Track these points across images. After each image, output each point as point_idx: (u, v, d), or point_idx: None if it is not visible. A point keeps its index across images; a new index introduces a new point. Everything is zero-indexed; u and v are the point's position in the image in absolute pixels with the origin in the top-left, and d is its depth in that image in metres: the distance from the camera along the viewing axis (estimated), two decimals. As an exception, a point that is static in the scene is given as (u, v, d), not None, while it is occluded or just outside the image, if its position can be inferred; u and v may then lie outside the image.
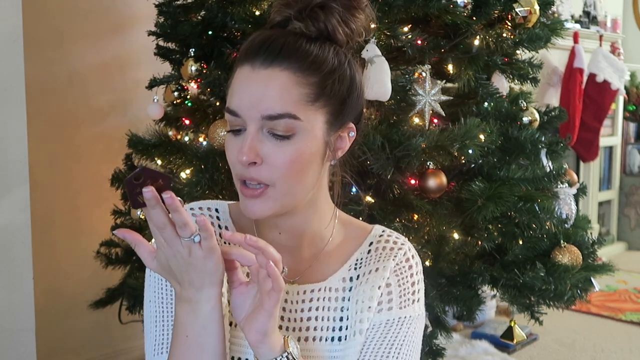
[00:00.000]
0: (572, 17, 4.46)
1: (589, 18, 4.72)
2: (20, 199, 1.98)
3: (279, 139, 0.88)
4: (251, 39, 0.92)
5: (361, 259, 1.01)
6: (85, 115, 2.79)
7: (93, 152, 2.79)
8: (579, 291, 1.98)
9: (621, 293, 4.14)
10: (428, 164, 1.78)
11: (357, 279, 0.99)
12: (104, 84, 2.83)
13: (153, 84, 2.26)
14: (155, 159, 2.12)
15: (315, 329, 0.96)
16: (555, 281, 1.86)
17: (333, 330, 0.97)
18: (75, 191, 2.76)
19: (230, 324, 0.95)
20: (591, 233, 2.13)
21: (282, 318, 0.96)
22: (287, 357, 0.84)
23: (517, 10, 1.96)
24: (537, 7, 1.97)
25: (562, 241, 1.93)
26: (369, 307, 0.96)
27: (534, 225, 1.94)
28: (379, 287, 0.97)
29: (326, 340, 0.96)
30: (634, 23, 5.65)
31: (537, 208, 1.88)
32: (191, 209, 1.00)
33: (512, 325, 2.52)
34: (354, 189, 1.75)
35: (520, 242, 1.95)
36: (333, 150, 0.94)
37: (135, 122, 2.53)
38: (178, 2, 2.21)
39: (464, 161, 1.89)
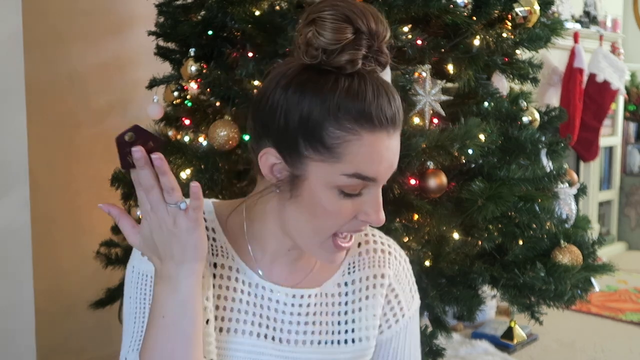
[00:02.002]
0: (572, 17, 4.46)
1: (589, 18, 4.72)
2: (20, 199, 1.98)
3: None
4: (372, 103, 0.84)
5: (353, 262, 1.02)
6: (85, 115, 2.78)
7: (93, 152, 2.79)
8: (579, 291, 1.98)
9: (621, 293, 4.14)
10: (428, 164, 1.78)
11: (352, 283, 1.00)
12: (104, 84, 2.83)
13: (153, 84, 2.27)
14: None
15: (312, 333, 0.97)
16: (555, 281, 1.86)
17: (332, 334, 0.98)
18: (75, 191, 2.76)
19: (221, 330, 0.94)
20: (591, 233, 2.13)
21: (274, 320, 0.96)
22: None
23: (517, 10, 1.95)
24: (537, 7, 1.97)
25: (562, 241, 1.93)
26: (374, 315, 1.00)
27: (534, 225, 1.93)
28: (382, 295, 1.01)
29: (325, 343, 0.97)
30: (634, 23, 5.65)
31: (537, 208, 1.88)
32: None
33: (512, 325, 2.52)
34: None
35: (520, 242, 1.95)
36: None
37: (135, 122, 2.52)
38: (178, 2, 2.21)
39: (464, 161, 1.89)
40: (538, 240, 1.95)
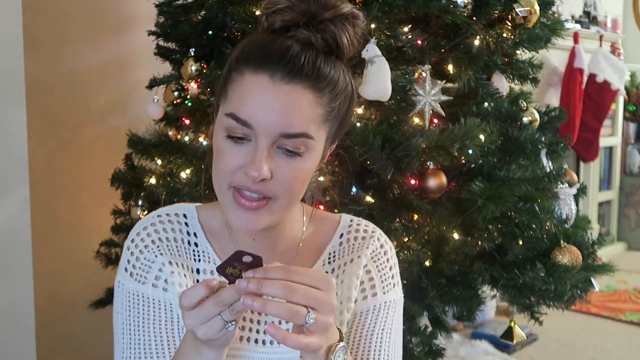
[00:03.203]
0: (572, 17, 4.46)
1: (589, 18, 4.72)
2: (20, 199, 1.98)
3: (289, 155, 0.85)
4: (260, 43, 0.87)
5: (334, 252, 1.01)
6: (85, 115, 2.79)
7: (93, 152, 2.79)
8: (579, 291, 1.98)
9: (621, 293, 4.14)
10: (428, 164, 1.78)
11: (332, 272, 0.99)
12: (104, 84, 2.83)
13: (153, 84, 2.27)
14: (155, 159, 2.12)
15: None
16: (555, 281, 1.86)
17: None
18: (75, 191, 2.76)
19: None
20: (591, 233, 2.13)
21: (250, 320, 0.95)
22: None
23: (517, 10, 1.95)
24: (537, 7, 1.97)
25: (562, 241, 1.93)
26: (349, 297, 0.98)
27: (534, 225, 1.94)
28: (357, 277, 0.99)
29: None
30: (634, 23, 5.65)
31: (537, 208, 1.88)
32: (159, 215, 0.99)
33: (512, 325, 2.52)
34: (354, 189, 1.76)
35: (520, 242, 1.95)
36: (321, 161, 0.93)
37: (135, 122, 2.53)
38: (178, 2, 2.21)
39: (464, 161, 1.89)
40: (538, 240, 1.95)
